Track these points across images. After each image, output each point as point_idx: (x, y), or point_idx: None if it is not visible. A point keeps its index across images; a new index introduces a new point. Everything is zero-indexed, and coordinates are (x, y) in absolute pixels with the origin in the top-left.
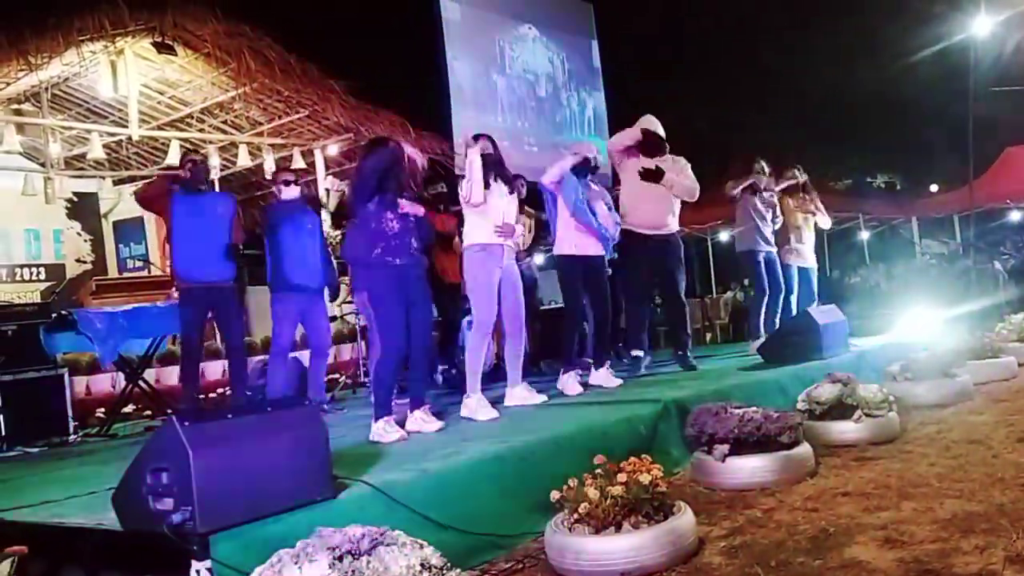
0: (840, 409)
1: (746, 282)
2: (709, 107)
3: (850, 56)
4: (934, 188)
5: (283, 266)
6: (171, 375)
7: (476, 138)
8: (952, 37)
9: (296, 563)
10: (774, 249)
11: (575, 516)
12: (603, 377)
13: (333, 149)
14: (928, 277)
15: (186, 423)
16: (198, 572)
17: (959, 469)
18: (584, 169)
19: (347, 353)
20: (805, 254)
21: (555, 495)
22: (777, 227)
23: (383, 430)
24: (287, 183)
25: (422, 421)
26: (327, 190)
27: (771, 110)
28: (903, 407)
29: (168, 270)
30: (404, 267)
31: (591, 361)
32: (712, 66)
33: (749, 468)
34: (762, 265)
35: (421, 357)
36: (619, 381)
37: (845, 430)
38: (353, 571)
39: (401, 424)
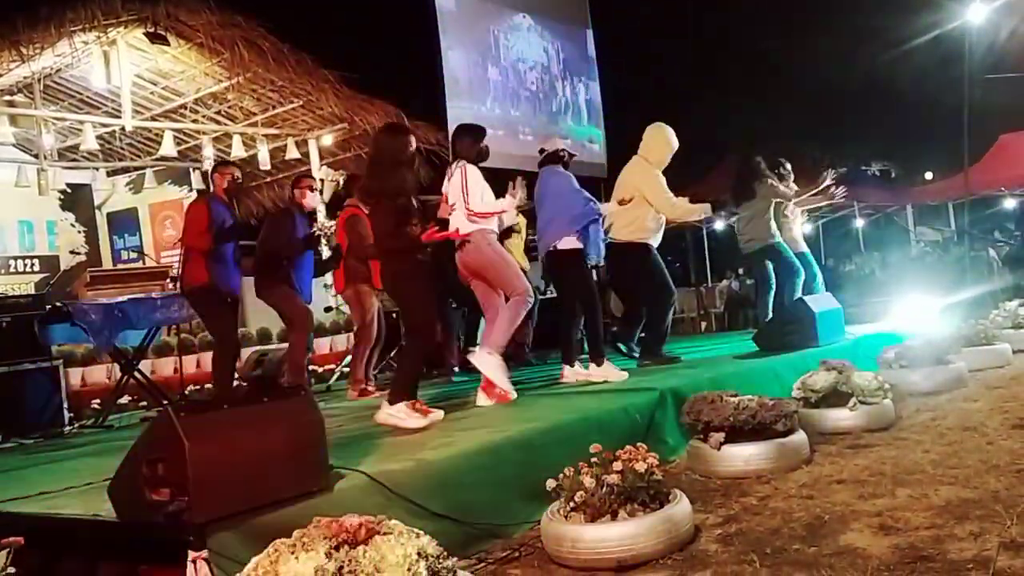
0: (835, 397)
1: (741, 271)
2: (704, 96)
3: (846, 44)
4: (929, 176)
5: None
6: (166, 366)
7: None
8: (947, 24)
9: (293, 553)
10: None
11: (571, 504)
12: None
13: (327, 139)
14: (923, 265)
15: (182, 413)
16: (194, 562)
17: (953, 456)
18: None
19: (342, 344)
20: (800, 239)
21: (551, 484)
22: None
23: (404, 414)
24: (312, 189)
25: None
26: (322, 180)
27: (766, 98)
28: (898, 394)
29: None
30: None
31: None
32: (708, 55)
33: (744, 456)
34: (788, 254)
35: None
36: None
37: (840, 417)
38: (350, 560)
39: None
